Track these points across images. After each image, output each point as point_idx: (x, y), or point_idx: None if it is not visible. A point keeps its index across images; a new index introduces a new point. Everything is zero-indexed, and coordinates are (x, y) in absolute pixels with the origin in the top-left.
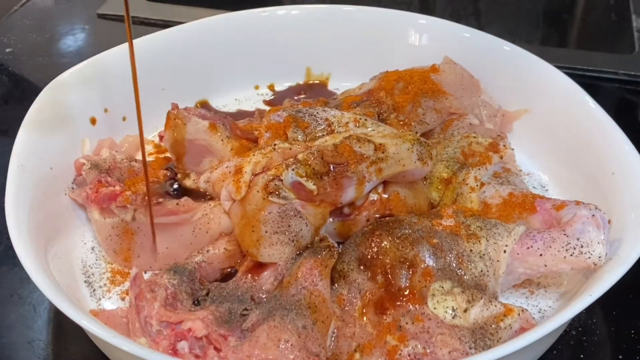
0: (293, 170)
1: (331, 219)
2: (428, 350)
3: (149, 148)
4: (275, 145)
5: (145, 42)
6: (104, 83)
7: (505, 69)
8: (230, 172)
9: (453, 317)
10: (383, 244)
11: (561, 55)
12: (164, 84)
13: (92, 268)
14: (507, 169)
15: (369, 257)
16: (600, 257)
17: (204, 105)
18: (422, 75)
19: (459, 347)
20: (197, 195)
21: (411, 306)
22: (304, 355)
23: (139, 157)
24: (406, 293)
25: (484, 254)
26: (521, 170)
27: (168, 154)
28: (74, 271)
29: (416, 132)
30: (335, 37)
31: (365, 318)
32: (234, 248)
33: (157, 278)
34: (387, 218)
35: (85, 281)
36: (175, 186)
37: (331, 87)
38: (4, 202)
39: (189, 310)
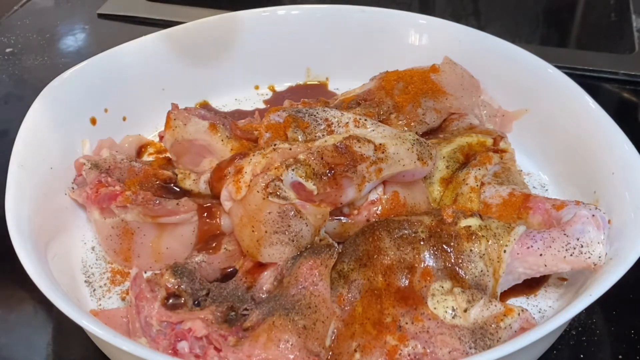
0: (293, 170)
1: (331, 219)
2: (428, 350)
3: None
4: (275, 145)
5: (146, 42)
6: (104, 83)
7: (505, 69)
8: (230, 172)
9: (453, 317)
10: (383, 244)
11: (561, 55)
12: (164, 84)
13: (92, 268)
14: (507, 168)
15: (369, 257)
16: (600, 257)
17: (204, 105)
18: (422, 75)
19: (459, 347)
20: (197, 195)
21: (411, 306)
22: (304, 355)
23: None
24: (406, 293)
25: (484, 254)
26: (521, 171)
27: (168, 154)
28: (74, 271)
29: (416, 132)
30: (335, 37)
31: (365, 318)
32: (234, 248)
33: (157, 278)
34: (387, 218)
35: (85, 281)
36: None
37: (331, 87)
38: (4, 202)
39: (189, 310)
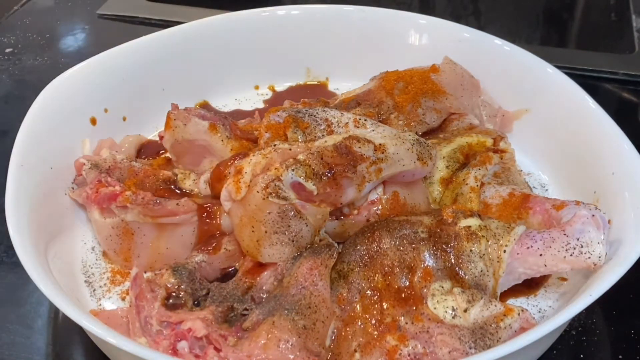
0: (293, 170)
1: (331, 219)
2: (428, 350)
3: None
4: (275, 145)
5: (145, 42)
6: (104, 83)
7: (505, 69)
8: (230, 172)
9: (453, 317)
10: (383, 244)
11: (561, 55)
12: (164, 84)
13: (92, 268)
14: (507, 169)
15: (369, 257)
16: (600, 257)
17: (204, 105)
18: (422, 75)
19: (459, 347)
20: (197, 195)
21: (411, 306)
22: (304, 355)
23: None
24: (406, 293)
25: (484, 254)
26: (521, 171)
27: (168, 155)
28: (74, 271)
29: (416, 132)
30: (335, 37)
31: (365, 318)
32: (234, 248)
33: (157, 278)
34: (387, 218)
35: (85, 281)
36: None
37: (331, 87)
38: (4, 202)
39: (189, 310)
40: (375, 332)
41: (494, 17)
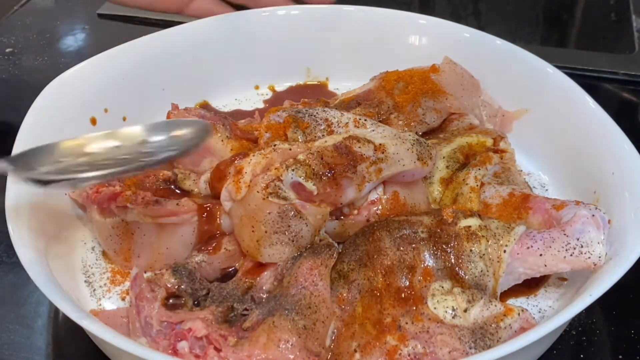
0: (293, 170)
1: (331, 219)
2: (428, 350)
3: None
4: (275, 145)
5: (145, 42)
6: (104, 83)
7: (505, 69)
8: (230, 172)
9: (453, 317)
10: (383, 244)
11: (561, 55)
12: (164, 84)
13: (92, 268)
14: (507, 169)
15: (369, 257)
16: (600, 257)
17: (204, 105)
18: (422, 75)
19: (459, 347)
20: (197, 195)
21: (411, 306)
22: (304, 355)
23: None
24: (406, 293)
25: (484, 254)
26: (521, 171)
27: None
28: (74, 271)
29: (416, 132)
30: (335, 37)
31: (365, 318)
32: (234, 248)
33: (157, 278)
34: (387, 218)
35: (85, 281)
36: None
37: (331, 87)
38: (4, 202)
39: (189, 310)
40: (375, 332)
41: (494, 17)
